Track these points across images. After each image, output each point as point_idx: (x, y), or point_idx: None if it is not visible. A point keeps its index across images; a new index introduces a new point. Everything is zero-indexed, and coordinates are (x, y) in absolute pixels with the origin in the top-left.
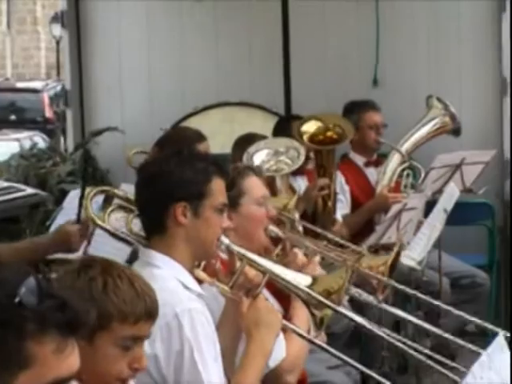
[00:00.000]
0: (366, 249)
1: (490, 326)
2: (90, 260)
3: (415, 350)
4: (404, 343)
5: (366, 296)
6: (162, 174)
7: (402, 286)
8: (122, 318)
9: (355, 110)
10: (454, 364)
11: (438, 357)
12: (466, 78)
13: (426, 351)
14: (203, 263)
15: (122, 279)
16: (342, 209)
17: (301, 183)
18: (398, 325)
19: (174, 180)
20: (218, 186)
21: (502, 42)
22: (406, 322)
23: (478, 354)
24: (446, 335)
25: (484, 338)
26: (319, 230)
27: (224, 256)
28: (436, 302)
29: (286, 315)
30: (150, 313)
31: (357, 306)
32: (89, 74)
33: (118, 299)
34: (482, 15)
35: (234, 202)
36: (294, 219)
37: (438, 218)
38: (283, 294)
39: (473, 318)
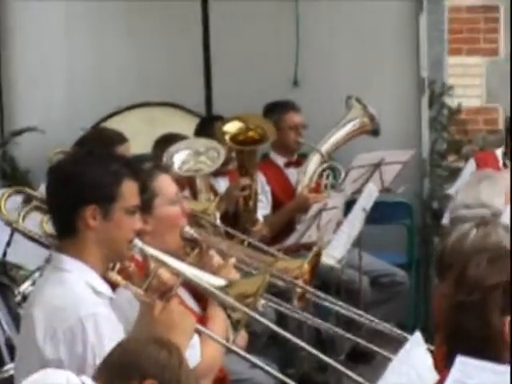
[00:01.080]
0: (281, 253)
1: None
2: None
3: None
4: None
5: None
6: (72, 176)
7: (318, 292)
8: None
9: (275, 110)
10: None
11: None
12: (385, 79)
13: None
14: (118, 266)
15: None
16: (263, 209)
17: (222, 184)
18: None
19: (84, 182)
20: (129, 188)
21: (419, 43)
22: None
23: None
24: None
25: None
26: (239, 234)
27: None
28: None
29: (205, 316)
30: None
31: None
32: (7, 74)
33: None
34: (400, 16)
35: (147, 205)
36: (215, 224)
37: (357, 217)
38: (202, 294)
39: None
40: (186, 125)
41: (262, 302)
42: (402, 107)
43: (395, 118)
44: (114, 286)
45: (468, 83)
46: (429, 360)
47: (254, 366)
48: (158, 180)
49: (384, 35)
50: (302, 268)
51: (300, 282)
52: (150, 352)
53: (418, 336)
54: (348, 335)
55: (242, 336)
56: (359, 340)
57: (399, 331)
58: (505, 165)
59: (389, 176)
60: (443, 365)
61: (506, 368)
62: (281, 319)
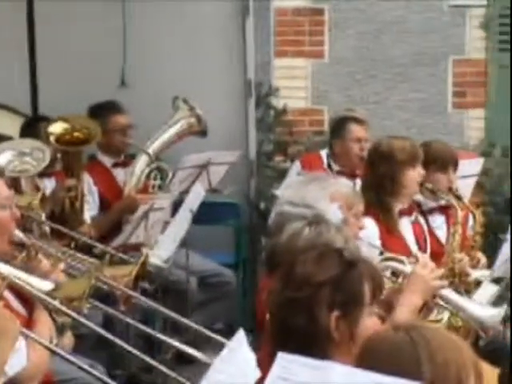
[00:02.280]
0: (111, 252)
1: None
2: None
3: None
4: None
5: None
6: None
7: (146, 299)
8: None
9: (100, 112)
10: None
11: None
12: (212, 80)
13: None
14: None
15: None
16: (91, 210)
17: (48, 185)
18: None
19: None
20: None
21: (246, 45)
22: (155, 320)
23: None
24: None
25: (231, 336)
26: (66, 231)
27: None
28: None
29: (31, 319)
30: None
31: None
32: None
33: None
34: (227, 19)
35: None
36: (40, 220)
37: (184, 217)
38: (28, 297)
39: None
40: (11, 125)
41: (88, 305)
42: (229, 108)
43: (222, 119)
44: None
45: (294, 85)
46: (252, 358)
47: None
48: None
49: (211, 37)
50: (130, 275)
51: (127, 289)
52: None
53: (241, 334)
54: (169, 340)
55: (69, 338)
56: (177, 344)
57: (218, 336)
58: (329, 166)
59: (216, 177)
60: (268, 362)
61: (329, 364)
62: (108, 321)
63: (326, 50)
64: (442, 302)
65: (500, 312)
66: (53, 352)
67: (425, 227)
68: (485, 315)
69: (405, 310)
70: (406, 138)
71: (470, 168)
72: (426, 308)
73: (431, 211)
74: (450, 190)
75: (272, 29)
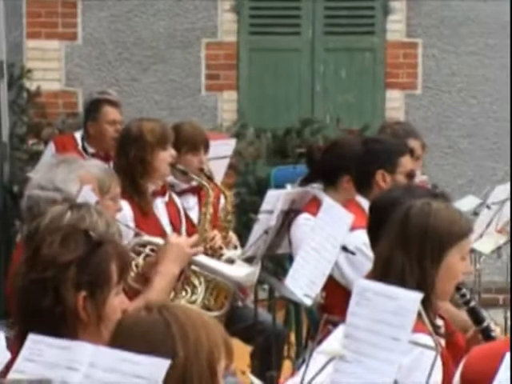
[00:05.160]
0: None
1: None
2: None
3: None
4: None
5: None
6: None
7: None
8: None
9: None
10: None
11: None
12: None
13: None
14: None
15: None
16: None
17: None
18: None
19: None
20: None
21: None
22: None
23: None
24: None
25: None
26: None
27: None
28: None
29: None
30: None
31: None
32: None
33: None
34: None
35: None
36: None
37: None
38: None
39: None
40: None
41: None
42: None
43: None
44: None
45: (47, 67)
46: (2, 341)
47: None
48: None
49: None
50: None
51: None
52: None
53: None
54: None
55: None
56: None
57: None
58: (84, 148)
59: None
60: (18, 345)
61: (78, 343)
62: None
63: (79, 31)
64: (197, 269)
65: (255, 271)
66: None
67: (180, 208)
68: (240, 275)
69: (162, 279)
70: (155, 119)
71: (222, 149)
72: (183, 276)
73: (183, 192)
74: (201, 170)
75: (24, 10)
